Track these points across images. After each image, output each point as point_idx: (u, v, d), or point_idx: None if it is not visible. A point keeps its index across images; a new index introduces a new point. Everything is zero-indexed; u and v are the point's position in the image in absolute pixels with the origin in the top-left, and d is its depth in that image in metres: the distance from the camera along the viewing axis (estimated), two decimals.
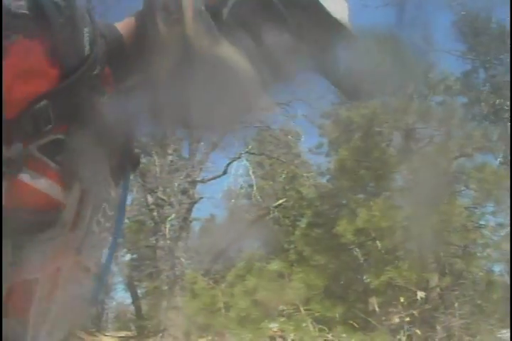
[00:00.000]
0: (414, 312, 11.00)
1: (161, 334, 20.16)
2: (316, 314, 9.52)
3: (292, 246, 14.01)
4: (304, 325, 9.36)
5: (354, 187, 13.38)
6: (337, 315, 9.98)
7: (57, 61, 1.05)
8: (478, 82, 17.92)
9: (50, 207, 1.07)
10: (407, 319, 10.95)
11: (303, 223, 14.19)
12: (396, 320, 10.99)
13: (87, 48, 1.09)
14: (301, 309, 9.51)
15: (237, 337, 10.97)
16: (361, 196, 13.50)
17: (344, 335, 9.56)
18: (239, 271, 11.80)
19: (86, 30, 1.09)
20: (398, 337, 10.67)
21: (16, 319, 1.07)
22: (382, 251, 12.10)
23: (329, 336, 9.52)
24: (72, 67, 1.06)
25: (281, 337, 9.79)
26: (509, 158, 11.78)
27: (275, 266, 10.40)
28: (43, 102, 1.03)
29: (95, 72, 1.11)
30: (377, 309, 11.45)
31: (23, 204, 1.03)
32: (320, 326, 9.58)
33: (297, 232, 13.78)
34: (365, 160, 13.14)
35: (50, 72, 1.05)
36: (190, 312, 13.34)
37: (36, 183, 1.04)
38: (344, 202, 13.61)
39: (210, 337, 15.35)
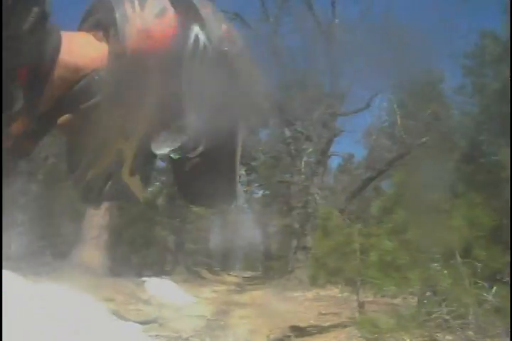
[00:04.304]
0: None
1: (286, 277, 19.66)
2: (478, 264, 7.14)
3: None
4: (459, 277, 7.13)
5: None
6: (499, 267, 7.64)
7: None
8: None
9: None
10: None
11: (456, 155, 12.03)
12: None
13: (25, 27, 0.90)
14: (458, 257, 7.21)
15: (376, 287, 8.89)
16: None
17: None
18: (385, 202, 9.43)
19: (35, 9, 0.89)
20: None
21: None
22: None
23: (489, 296, 7.17)
24: None
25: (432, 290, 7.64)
26: None
27: (433, 195, 7.91)
28: None
29: None
30: None
31: None
32: (478, 281, 7.28)
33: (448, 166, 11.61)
34: None
35: None
36: (320, 253, 11.43)
37: None
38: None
39: (339, 285, 14.01)
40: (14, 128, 0.99)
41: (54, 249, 18.20)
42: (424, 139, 17.68)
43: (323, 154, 22.45)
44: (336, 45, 21.41)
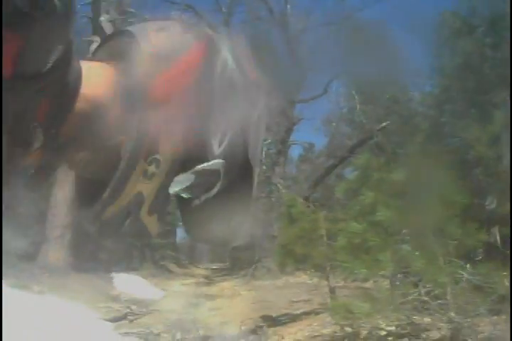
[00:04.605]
0: None
1: (254, 266, 19.69)
2: (453, 242, 7.11)
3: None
4: (433, 257, 7.10)
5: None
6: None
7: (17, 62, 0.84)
8: None
9: None
10: None
11: (418, 137, 12.11)
12: None
13: (48, 66, 0.88)
14: (431, 236, 7.18)
15: (346, 272, 8.84)
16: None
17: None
18: (350, 184, 9.39)
19: (60, 47, 0.87)
20: None
21: None
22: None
23: (464, 274, 7.15)
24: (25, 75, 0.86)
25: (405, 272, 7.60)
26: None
27: (399, 174, 7.83)
28: None
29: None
30: (499, 240, 9.32)
31: None
32: (454, 259, 7.25)
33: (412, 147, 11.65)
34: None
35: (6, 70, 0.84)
36: (286, 241, 11.40)
37: None
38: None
39: (308, 271, 14.05)
40: (33, 159, 0.97)
41: (18, 251, 18.03)
42: (384, 123, 17.77)
43: (283, 143, 22.51)
44: (290, 31, 21.38)
